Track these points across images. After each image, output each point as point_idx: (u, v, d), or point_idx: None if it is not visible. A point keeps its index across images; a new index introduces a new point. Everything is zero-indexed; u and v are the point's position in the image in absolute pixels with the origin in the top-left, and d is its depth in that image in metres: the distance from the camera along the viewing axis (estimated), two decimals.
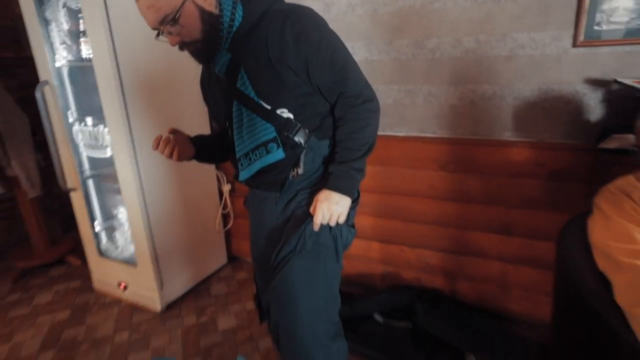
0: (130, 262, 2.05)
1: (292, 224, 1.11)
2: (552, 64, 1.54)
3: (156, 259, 1.94)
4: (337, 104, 1.03)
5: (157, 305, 2.02)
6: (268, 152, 1.03)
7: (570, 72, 1.52)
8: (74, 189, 2.05)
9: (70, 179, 2.04)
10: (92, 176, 2.09)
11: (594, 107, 1.53)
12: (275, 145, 1.03)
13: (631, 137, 1.32)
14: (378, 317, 1.85)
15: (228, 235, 2.47)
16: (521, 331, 1.75)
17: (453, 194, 1.81)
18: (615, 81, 1.40)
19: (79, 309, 2.12)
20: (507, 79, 1.62)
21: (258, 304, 2.03)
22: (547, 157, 1.62)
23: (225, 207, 2.36)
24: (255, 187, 1.19)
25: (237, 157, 1.08)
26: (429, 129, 1.81)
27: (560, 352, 1.29)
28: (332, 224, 1.04)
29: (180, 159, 1.12)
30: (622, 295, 0.96)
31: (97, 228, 2.15)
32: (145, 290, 2.02)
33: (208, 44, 0.99)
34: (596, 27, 1.43)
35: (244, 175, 1.09)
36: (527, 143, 1.64)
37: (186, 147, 1.14)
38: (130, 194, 1.84)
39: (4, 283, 2.39)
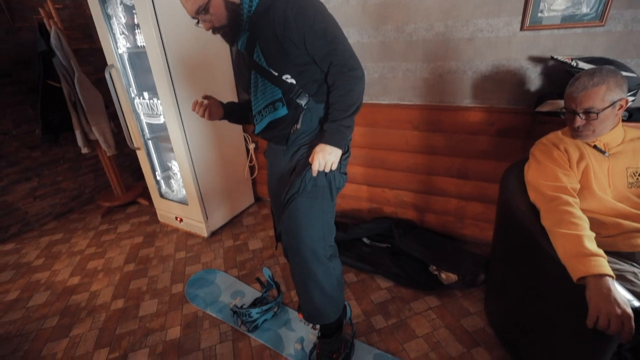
0: (183, 202, 2.17)
1: (296, 172, 1.15)
2: (503, 44, 1.52)
3: (201, 199, 2.06)
4: (329, 73, 1.03)
5: (204, 233, 2.16)
6: (275, 109, 1.07)
7: (517, 50, 1.50)
8: (139, 148, 2.14)
9: (136, 141, 2.13)
10: (151, 138, 2.17)
11: (534, 78, 1.52)
12: (280, 104, 1.06)
13: (561, 102, 1.33)
14: (366, 240, 1.97)
15: (254, 182, 2.56)
16: (470, 248, 1.85)
17: (423, 148, 1.85)
18: (552, 58, 1.38)
19: (149, 235, 2.29)
20: (468, 56, 1.60)
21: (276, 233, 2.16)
22: (496, 119, 1.63)
23: (251, 160, 2.43)
24: (268, 140, 1.23)
25: (254, 114, 1.13)
26: (406, 98, 1.82)
27: (498, 262, 1.39)
28: (327, 170, 1.07)
29: (211, 118, 1.19)
30: (545, 219, 1.02)
31: (158, 177, 2.25)
32: (195, 222, 2.16)
33: (233, 28, 1.02)
34: (539, 14, 1.40)
35: (258, 128, 1.14)
36: (481, 108, 1.65)
37: (217, 109, 1.20)
38: (180, 151, 1.92)
39: (95, 217, 2.58)
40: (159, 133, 2.17)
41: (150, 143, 2.19)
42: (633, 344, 0.86)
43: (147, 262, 2.00)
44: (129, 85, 2.03)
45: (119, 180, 2.63)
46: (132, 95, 2.05)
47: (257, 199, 2.63)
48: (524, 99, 1.56)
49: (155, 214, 2.46)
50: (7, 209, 2.31)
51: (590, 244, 0.90)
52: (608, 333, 0.82)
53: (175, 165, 2.11)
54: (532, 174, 1.15)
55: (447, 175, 1.85)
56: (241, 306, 1.52)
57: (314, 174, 1.08)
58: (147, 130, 2.15)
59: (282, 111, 1.07)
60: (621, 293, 0.83)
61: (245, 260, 1.94)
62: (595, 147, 1.10)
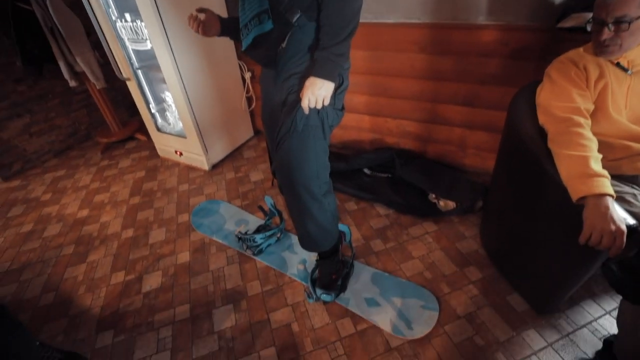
0: (181, 134, 2.13)
1: (286, 109, 1.08)
2: None
3: (199, 132, 2.01)
4: None
5: (205, 166, 2.16)
6: (260, 22, 0.95)
7: None
8: (128, 79, 2.02)
9: (124, 71, 2.00)
10: (140, 67, 2.04)
11: None
12: (266, 16, 0.94)
13: (587, 15, 1.19)
14: (367, 171, 1.97)
15: (252, 114, 2.49)
16: (470, 177, 1.86)
17: (429, 73, 1.73)
18: None
19: (151, 169, 2.30)
20: None
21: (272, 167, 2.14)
22: (511, 38, 1.49)
23: (248, 91, 2.31)
24: (257, 62, 1.11)
25: (240, 27, 1.02)
26: (414, 15, 1.64)
27: (497, 187, 1.40)
28: (319, 106, 1.00)
29: (206, 34, 1.08)
30: (553, 141, 0.99)
31: (153, 110, 2.18)
32: (195, 155, 2.15)
33: None
34: None
35: (244, 44, 1.02)
36: (496, 26, 1.49)
37: (212, 24, 1.09)
38: (172, 80, 1.82)
39: (95, 153, 2.57)
40: (148, 62, 2.03)
41: (140, 73, 2.06)
42: (620, 258, 0.90)
43: (151, 195, 2.04)
44: (108, 6, 1.84)
45: (113, 116, 2.55)
46: (113, 18, 1.87)
47: (257, 131, 2.57)
48: (545, 14, 1.40)
49: (154, 148, 2.44)
50: (4, 146, 2.29)
51: (596, 165, 0.89)
52: (598, 249, 0.85)
53: (168, 97, 2.02)
54: (545, 95, 1.09)
55: (452, 102, 1.76)
56: (245, 232, 1.58)
57: (305, 111, 1.01)
58: (134, 59, 2.01)
59: (268, 25, 0.95)
60: (618, 212, 0.84)
61: (247, 191, 1.97)
62: (617, 64, 1.01)
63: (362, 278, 1.41)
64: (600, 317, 1.21)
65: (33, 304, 1.46)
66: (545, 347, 1.14)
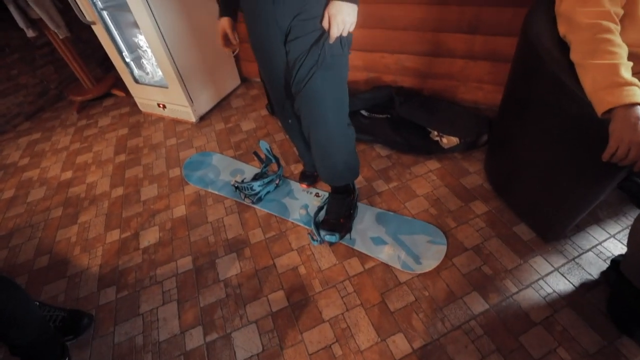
0: (162, 85, 1.94)
1: (303, 39, 0.95)
2: None
3: (181, 80, 1.83)
4: None
5: (192, 118, 2.01)
6: None
7: None
8: (93, 22, 1.77)
9: (87, 13, 1.75)
10: (105, 8, 1.78)
11: None
12: None
13: None
14: (364, 113, 1.85)
15: (238, 60, 2.27)
16: (473, 111, 1.75)
17: None
18: None
19: (134, 126, 2.13)
20: None
21: (269, 106, 2.01)
22: None
23: None
24: None
25: None
26: None
27: (506, 116, 1.31)
28: (345, 34, 0.91)
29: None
30: (576, 52, 0.88)
31: (127, 59, 1.96)
32: (180, 107, 1.98)
33: None
34: None
35: None
36: None
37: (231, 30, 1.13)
38: (143, 20, 1.59)
39: (71, 114, 2.36)
40: (114, 0, 1.77)
41: (106, 15, 1.81)
42: None
43: (137, 152, 1.91)
44: None
45: (84, 71, 2.31)
46: None
47: (244, 79, 2.38)
48: None
49: (135, 104, 2.25)
50: None
51: (627, 72, 0.79)
52: (623, 164, 0.79)
53: (142, 41, 1.80)
54: (567, 1, 0.96)
55: (455, 30, 1.60)
56: (242, 181, 1.50)
57: (332, 41, 0.92)
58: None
59: None
60: None
61: (239, 141, 1.85)
62: None
63: (367, 218, 1.37)
64: (605, 240, 1.20)
65: (27, 268, 1.40)
66: (552, 272, 1.14)
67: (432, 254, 1.21)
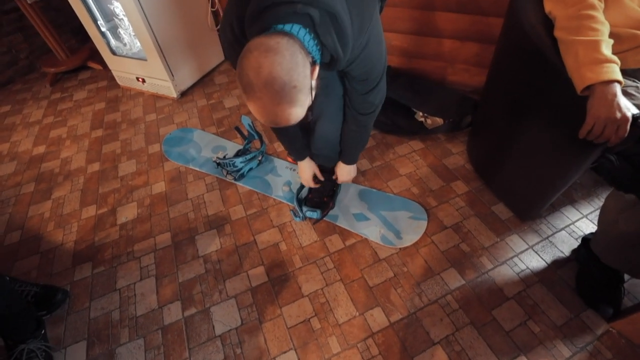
0: (140, 57, 1.84)
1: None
2: None
3: (161, 51, 1.73)
4: (355, 112, 1.02)
5: (173, 93, 1.93)
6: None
7: None
8: None
9: None
10: None
11: None
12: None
13: None
14: None
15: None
16: (459, 92, 1.75)
17: None
18: None
19: (111, 100, 2.03)
20: None
21: None
22: None
23: (213, 5, 1.98)
24: None
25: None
26: None
27: (489, 96, 1.31)
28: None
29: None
30: (560, 29, 0.87)
31: (103, 28, 1.84)
32: (160, 82, 1.89)
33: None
34: None
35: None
36: None
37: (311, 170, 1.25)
38: None
39: (44, 86, 2.23)
40: None
41: None
42: (619, 148, 0.86)
43: (115, 127, 1.83)
44: None
45: (57, 41, 2.17)
46: None
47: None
48: None
49: (113, 78, 2.14)
50: None
51: (607, 49, 0.79)
52: (598, 141, 0.80)
53: (118, 8, 1.69)
54: None
55: (444, 9, 1.57)
56: (224, 157, 1.46)
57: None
58: None
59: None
60: (623, 100, 0.77)
61: (222, 118, 1.80)
62: None
63: (350, 195, 1.36)
64: (577, 220, 1.24)
65: None
66: (526, 249, 1.17)
67: (413, 229, 1.22)
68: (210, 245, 1.25)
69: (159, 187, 1.48)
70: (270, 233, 1.27)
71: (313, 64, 0.69)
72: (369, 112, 1.00)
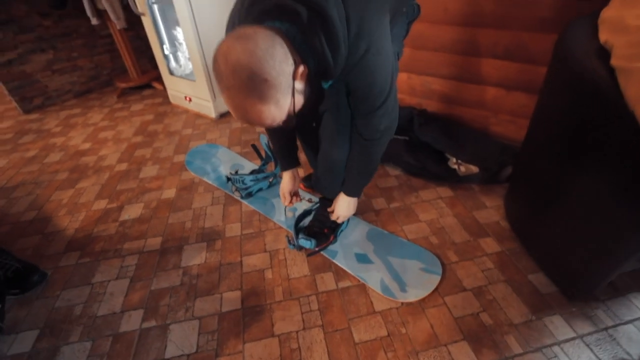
0: (190, 77, 2.01)
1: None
2: None
3: (208, 72, 1.87)
4: (362, 130, 0.91)
5: (212, 113, 2.03)
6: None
7: None
8: (143, 13, 1.92)
9: (140, 5, 1.92)
10: (155, 2, 1.93)
11: None
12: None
13: None
14: None
15: None
16: (500, 140, 1.56)
17: (465, 17, 1.46)
18: None
19: (160, 114, 2.21)
20: None
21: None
22: None
23: None
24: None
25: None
26: None
27: (532, 143, 1.13)
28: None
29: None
30: (619, 56, 0.73)
31: (166, 51, 2.08)
32: (204, 101, 2.02)
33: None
34: None
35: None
36: None
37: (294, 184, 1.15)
38: (182, 12, 1.69)
39: (112, 97, 2.53)
40: None
41: (156, 9, 1.96)
42: None
43: (154, 136, 1.95)
44: None
45: (134, 62, 2.50)
46: None
47: None
48: None
49: (167, 97, 2.36)
50: (28, 79, 2.30)
51: None
52: None
53: (179, 33, 1.90)
54: (615, 9, 0.82)
55: (490, 55, 1.48)
56: (236, 172, 1.42)
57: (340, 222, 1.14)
58: None
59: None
60: None
61: (250, 140, 1.81)
62: None
63: (356, 232, 1.20)
64: None
65: (15, 218, 1.40)
66: (573, 339, 0.88)
67: (422, 283, 1.01)
68: (195, 257, 1.16)
69: (169, 193, 1.48)
70: (259, 257, 1.15)
71: (301, 65, 0.63)
72: (373, 138, 0.89)
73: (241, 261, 1.14)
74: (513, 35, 1.39)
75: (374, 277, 1.04)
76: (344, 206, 1.07)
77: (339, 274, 1.08)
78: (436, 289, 1.00)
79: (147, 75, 2.58)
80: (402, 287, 1.00)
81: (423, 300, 0.98)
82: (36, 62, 2.30)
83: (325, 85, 0.82)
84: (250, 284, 1.06)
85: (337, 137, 0.97)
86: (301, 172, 1.48)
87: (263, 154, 1.48)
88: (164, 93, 2.46)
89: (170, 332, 0.94)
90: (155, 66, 2.85)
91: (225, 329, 0.94)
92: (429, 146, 1.55)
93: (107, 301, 1.04)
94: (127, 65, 2.52)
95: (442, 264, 1.07)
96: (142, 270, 1.13)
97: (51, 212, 1.43)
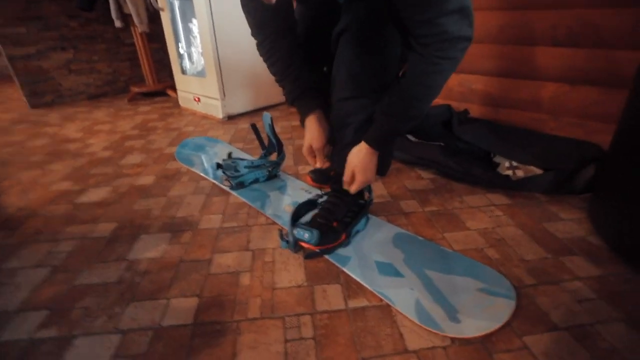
0: (201, 74, 1.85)
1: None
2: None
3: (220, 70, 1.71)
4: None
5: (220, 114, 1.82)
6: None
7: None
8: (162, 9, 1.85)
9: (161, 1, 1.85)
10: None
11: None
12: None
13: None
14: (411, 137, 1.44)
15: None
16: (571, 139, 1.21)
17: None
18: None
19: (165, 115, 2.03)
20: None
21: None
22: None
23: None
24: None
25: None
26: None
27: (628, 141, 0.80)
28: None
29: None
30: None
31: (181, 50, 1.98)
32: (212, 100, 1.83)
33: None
34: None
35: None
36: None
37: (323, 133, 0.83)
38: (199, 3, 1.59)
39: (123, 101, 2.42)
40: None
41: (176, 6, 1.89)
42: None
43: (151, 130, 1.74)
44: None
45: (151, 69, 2.43)
46: None
47: None
48: None
49: (178, 102, 2.21)
50: (42, 75, 2.25)
51: None
52: None
53: (195, 26, 1.79)
54: None
55: (547, 42, 1.22)
56: (228, 156, 1.13)
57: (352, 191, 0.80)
58: None
59: None
60: None
61: (255, 139, 1.56)
62: None
63: (379, 235, 0.85)
64: None
65: None
66: None
67: (485, 311, 0.62)
68: (150, 250, 0.83)
69: (146, 179, 1.20)
70: (236, 256, 0.80)
71: None
72: (442, 48, 0.58)
73: (210, 259, 0.79)
74: (577, 15, 1.14)
75: (406, 296, 0.67)
76: (360, 158, 0.74)
77: (351, 287, 0.71)
78: (508, 322, 0.61)
79: (163, 83, 2.49)
80: (452, 315, 0.62)
81: (489, 337, 0.58)
82: (54, 60, 2.26)
83: None
84: (215, 290, 0.70)
85: (367, 37, 0.69)
86: (307, 169, 1.18)
87: (266, 141, 1.19)
88: (175, 100, 2.33)
89: (71, 348, 0.58)
90: (173, 79, 2.80)
91: (159, 354, 0.57)
92: (472, 150, 1.23)
93: (9, 295, 0.70)
94: (145, 73, 2.45)
95: (514, 288, 0.69)
96: (74, 259, 0.80)
97: (4, 189, 1.17)
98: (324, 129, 0.82)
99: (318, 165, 0.84)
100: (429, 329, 0.60)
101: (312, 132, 0.81)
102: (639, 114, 0.76)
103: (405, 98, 0.66)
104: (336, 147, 0.86)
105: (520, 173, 1.09)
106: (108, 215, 0.98)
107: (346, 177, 0.79)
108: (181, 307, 0.66)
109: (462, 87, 1.47)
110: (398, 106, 0.68)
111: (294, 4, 0.82)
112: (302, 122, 0.84)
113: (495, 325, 0.59)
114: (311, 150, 0.84)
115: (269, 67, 0.82)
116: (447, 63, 0.60)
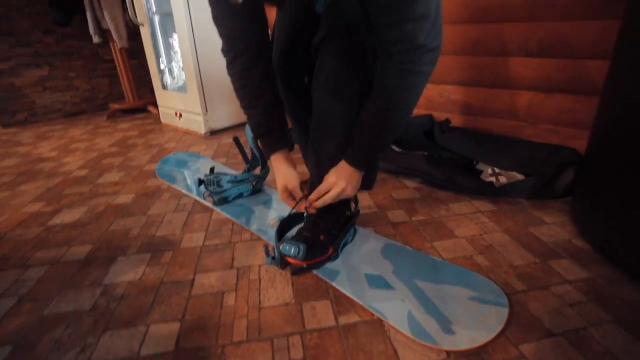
0: (182, 89, 1.83)
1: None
2: None
3: (201, 84, 1.69)
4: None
5: (202, 129, 1.79)
6: None
7: None
8: (142, 24, 1.83)
9: (140, 16, 1.83)
10: (156, 13, 1.85)
11: None
12: None
13: None
14: (395, 148, 1.46)
15: None
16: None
17: (486, 12, 1.28)
18: None
19: (146, 131, 1.98)
20: None
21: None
22: None
23: None
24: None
25: None
26: None
27: (603, 142, 0.82)
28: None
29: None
30: None
31: (162, 66, 1.95)
32: (194, 116, 1.80)
33: None
34: None
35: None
36: None
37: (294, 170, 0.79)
38: (180, 20, 1.57)
39: (101, 118, 2.35)
40: (166, 8, 1.85)
41: (156, 21, 1.87)
42: None
43: (131, 147, 1.68)
44: None
45: (131, 86, 2.38)
46: None
47: None
48: None
49: (159, 118, 2.16)
50: (14, 92, 2.16)
51: None
52: None
53: (175, 41, 1.77)
54: None
55: (520, 53, 1.27)
56: (210, 171, 1.10)
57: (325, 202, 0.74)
58: (153, 5, 1.84)
59: None
60: None
61: (237, 154, 1.53)
62: None
63: (367, 247, 0.83)
64: None
65: None
66: None
67: (479, 321, 0.60)
68: (128, 272, 0.78)
69: (125, 198, 1.14)
70: (220, 275, 0.76)
71: None
72: (407, 60, 0.57)
73: (193, 279, 0.75)
74: (547, 27, 1.19)
75: (397, 309, 0.65)
76: (343, 175, 0.71)
77: (341, 303, 0.68)
78: (502, 331, 0.60)
79: (143, 100, 2.45)
80: (445, 326, 0.60)
81: (484, 348, 0.57)
82: (28, 77, 2.19)
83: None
84: (197, 313, 0.66)
85: (342, 80, 0.68)
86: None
87: (249, 154, 1.17)
88: (156, 116, 2.28)
89: None
90: (154, 95, 2.76)
91: None
92: (454, 159, 1.25)
93: None
94: (125, 89, 2.40)
95: (506, 294, 0.68)
96: (44, 286, 0.74)
97: None
98: (294, 166, 0.78)
99: (302, 208, 0.78)
100: (424, 343, 0.58)
101: (283, 171, 0.77)
102: (611, 120, 0.79)
103: (382, 117, 0.66)
104: (312, 160, 0.83)
105: (503, 179, 1.10)
106: (82, 237, 0.92)
107: (322, 189, 0.74)
108: (161, 333, 0.62)
109: (442, 98, 1.50)
110: (375, 127, 0.67)
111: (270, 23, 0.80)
112: (267, 158, 0.81)
113: (490, 335, 0.58)
114: (288, 193, 0.78)
115: (236, 90, 0.77)
116: (412, 77, 0.59)
